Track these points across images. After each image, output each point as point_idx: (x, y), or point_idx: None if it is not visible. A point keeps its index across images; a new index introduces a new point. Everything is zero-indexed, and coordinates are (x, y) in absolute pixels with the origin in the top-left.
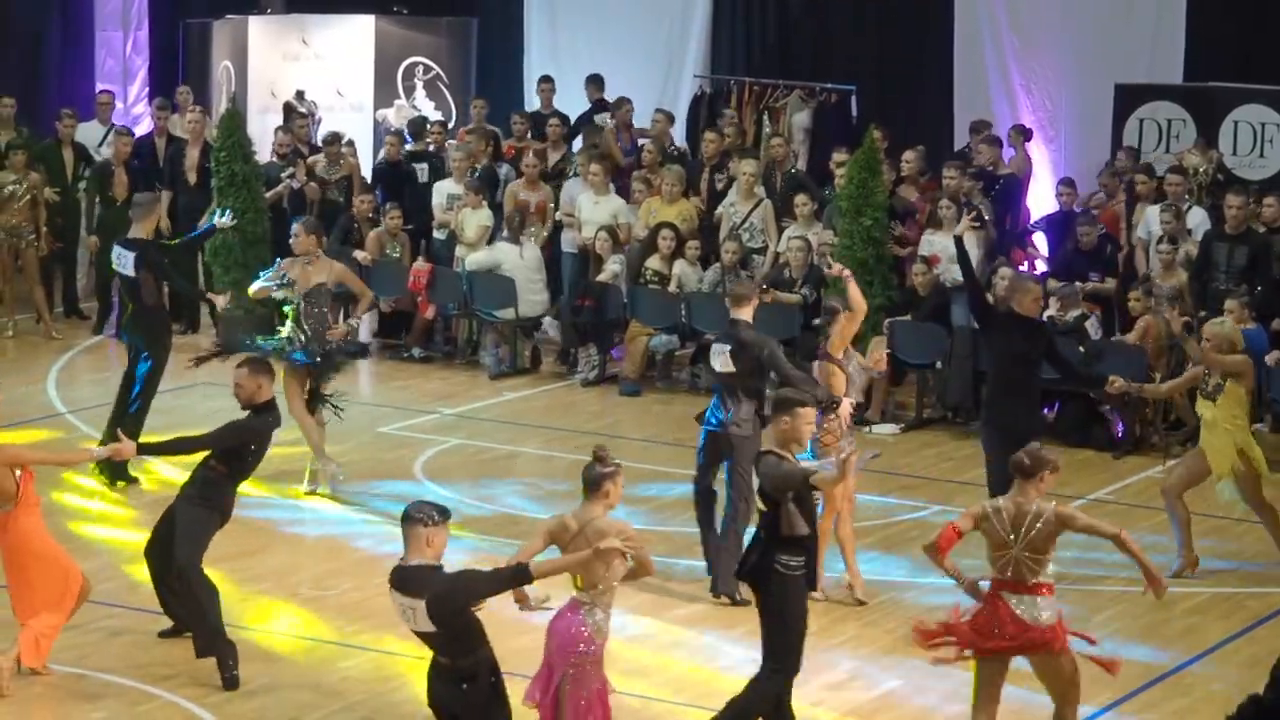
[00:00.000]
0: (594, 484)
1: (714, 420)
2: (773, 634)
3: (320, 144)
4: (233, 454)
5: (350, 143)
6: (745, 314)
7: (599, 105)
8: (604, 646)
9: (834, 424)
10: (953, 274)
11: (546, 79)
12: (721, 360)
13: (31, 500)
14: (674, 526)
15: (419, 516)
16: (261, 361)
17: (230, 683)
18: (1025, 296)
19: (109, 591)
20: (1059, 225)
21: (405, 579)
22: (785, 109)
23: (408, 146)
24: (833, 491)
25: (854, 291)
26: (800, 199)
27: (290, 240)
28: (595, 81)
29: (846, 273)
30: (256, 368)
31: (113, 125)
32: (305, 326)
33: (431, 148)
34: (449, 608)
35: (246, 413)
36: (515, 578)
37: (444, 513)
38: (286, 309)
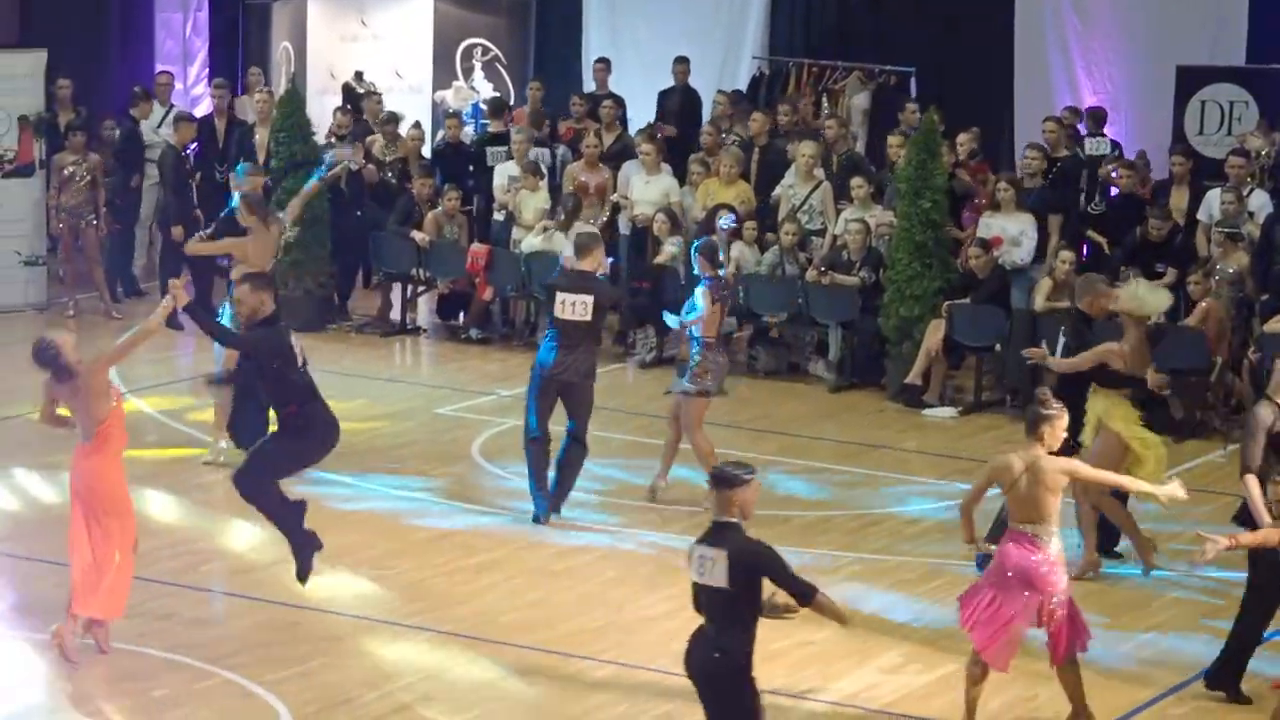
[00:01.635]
0: (1033, 425)
1: (547, 364)
2: None
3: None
4: (266, 379)
5: (416, 124)
6: (591, 265)
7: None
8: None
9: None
10: (1012, 256)
11: (603, 60)
12: (580, 309)
13: (119, 434)
14: None
15: (727, 478)
16: (263, 277)
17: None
18: (1100, 299)
19: (170, 570)
20: (1119, 209)
21: (711, 532)
22: (844, 91)
23: (488, 127)
24: None
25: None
26: (856, 181)
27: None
28: (683, 63)
29: None
30: (259, 283)
31: (172, 106)
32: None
33: (488, 129)
34: (745, 568)
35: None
36: (801, 591)
37: (750, 471)
38: None
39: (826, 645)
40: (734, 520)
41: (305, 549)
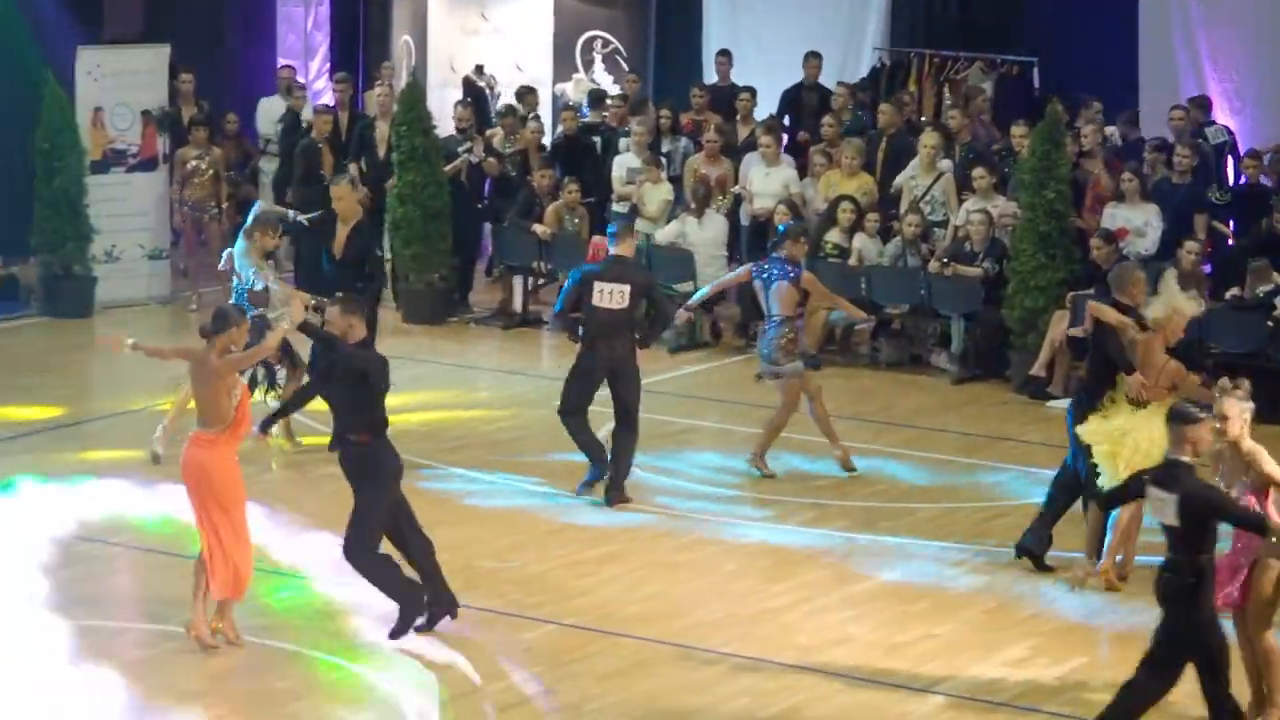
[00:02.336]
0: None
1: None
2: None
3: (496, 118)
4: (353, 402)
5: (536, 116)
6: (628, 250)
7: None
8: None
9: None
10: (1136, 247)
11: (724, 53)
12: (619, 298)
13: (241, 426)
14: (855, 501)
15: (1184, 414)
16: (355, 301)
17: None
18: (1135, 290)
19: (290, 563)
20: (1245, 199)
21: (1163, 473)
22: (966, 81)
23: (584, 118)
24: None
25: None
26: (978, 172)
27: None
28: (815, 57)
29: None
30: (349, 307)
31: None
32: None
33: (608, 121)
34: (1196, 508)
35: None
36: (1253, 523)
37: (1206, 408)
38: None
39: (951, 638)
40: (1185, 460)
41: (409, 610)
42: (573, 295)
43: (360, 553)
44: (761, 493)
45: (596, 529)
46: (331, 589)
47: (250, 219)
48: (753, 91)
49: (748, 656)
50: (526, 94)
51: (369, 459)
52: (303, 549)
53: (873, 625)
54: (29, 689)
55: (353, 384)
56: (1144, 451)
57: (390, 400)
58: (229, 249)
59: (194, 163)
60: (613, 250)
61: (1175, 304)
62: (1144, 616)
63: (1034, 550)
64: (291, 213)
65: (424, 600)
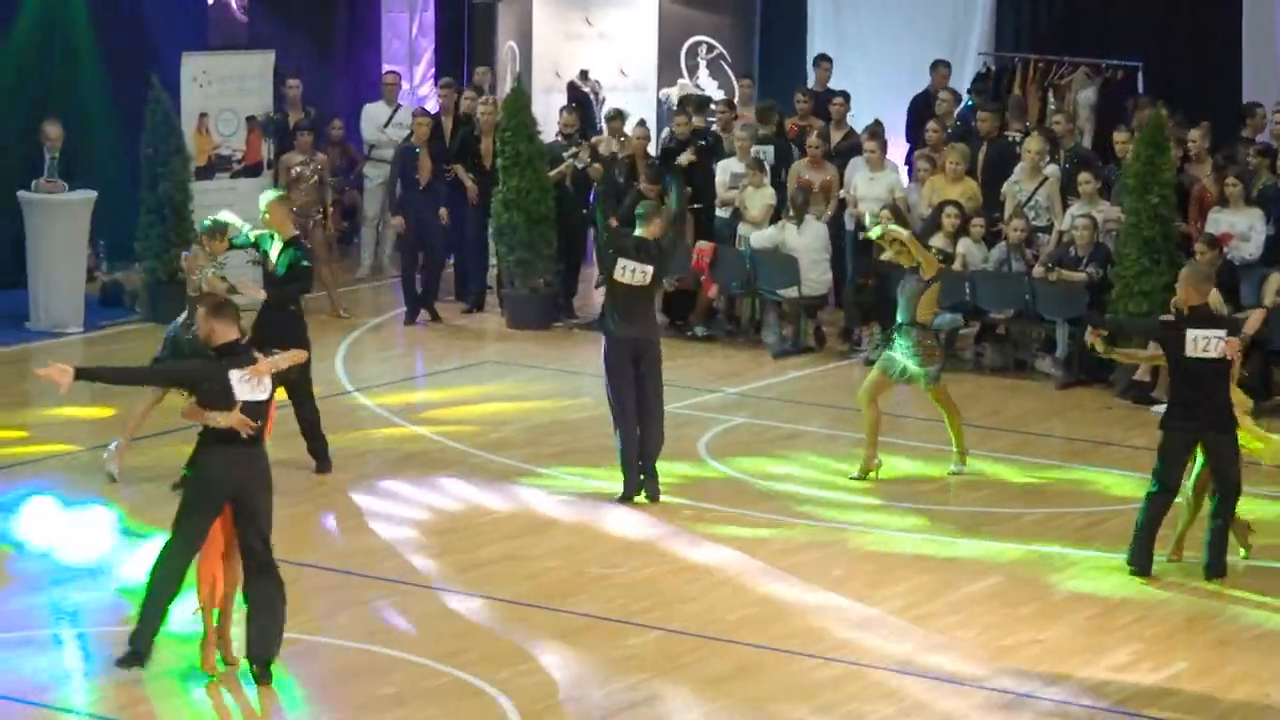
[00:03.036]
0: None
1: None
2: None
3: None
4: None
5: (642, 122)
6: (654, 231)
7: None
8: None
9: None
10: (1241, 252)
11: (825, 58)
12: (640, 276)
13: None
14: (960, 506)
15: None
16: (226, 304)
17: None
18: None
19: (394, 568)
20: None
21: None
22: (1070, 86)
23: (710, 123)
24: None
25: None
26: (1083, 176)
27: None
28: (944, 65)
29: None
30: (215, 311)
31: (399, 106)
32: None
33: (714, 126)
34: None
35: None
36: None
37: None
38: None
39: (1056, 642)
40: None
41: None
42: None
43: (163, 556)
44: (866, 498)
45: (702, 534)
46: (438, 595)
47: (203, 228)
48: (846, 96)
49: (854, 662)
50: (614, 118)
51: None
52: (410, 555)
53: (978, 630)
54: (121, 695)
55: (189, 390)
56: None
57: (495, 406)
58: (186, 252)
59: (299, 169)
60: (639, 232)
61: None
62: (1247, 621)
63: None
64: (247, 227)
65: (150, 641)
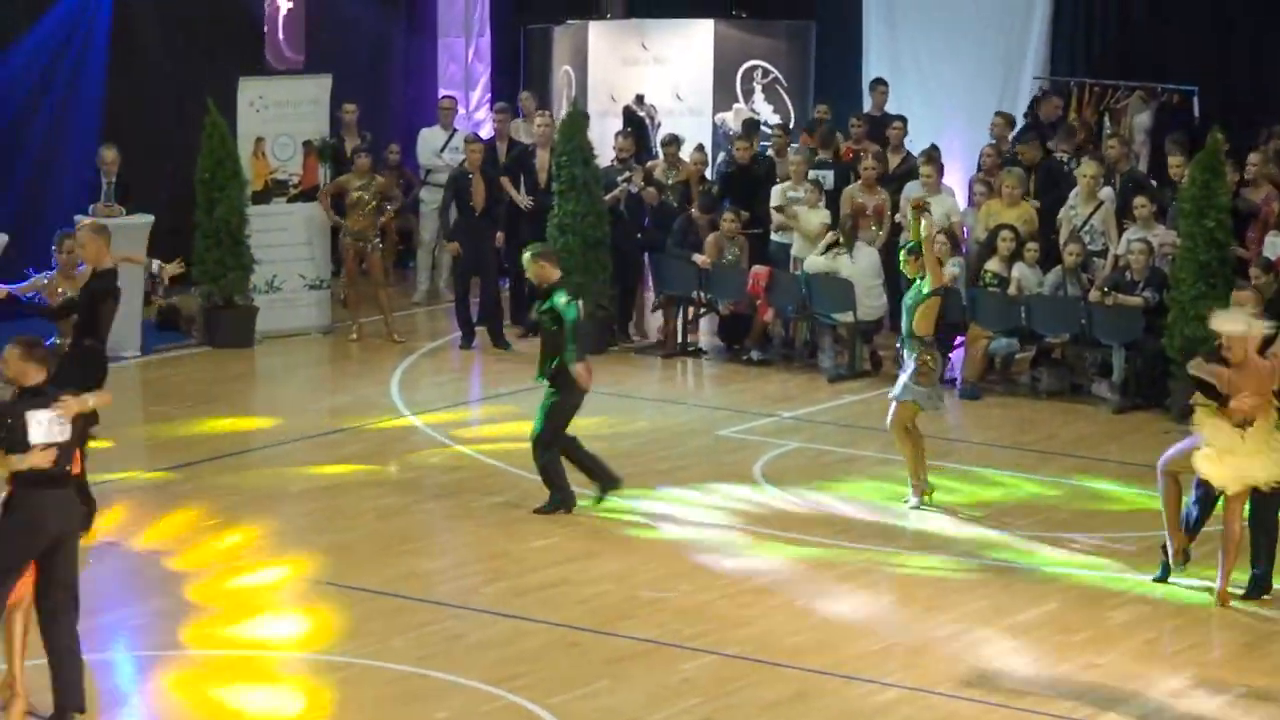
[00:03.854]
0: None
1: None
2: None
3: (658, 148)
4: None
5: (699, 147)
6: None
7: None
8: None
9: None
10: None
11: (881, 82)
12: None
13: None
14: (1015, 531)
15: None
16: (39, 346)
17: None
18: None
19: (453, 592)
20: None
21: None
22: (1126, 110)
23: (763, 148)
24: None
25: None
26: (1139, 200)
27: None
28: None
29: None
30: (25, 352)
31: (455, 130)
32: None
33: (769, 151)
34: None
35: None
36: None
37: None
38: None
39: (1111, 667)
40: None
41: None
42: None
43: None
44: (921, 523)
45: (756, 559)
46: (491, 620)
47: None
48: (904, 120)
49: (909, 687)
50: (669, 144)
51: (5, 507)
52: (466, 579)
53: (1034, 655)
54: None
55: None
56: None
57: None
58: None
59: (357, 193)
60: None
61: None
62: None
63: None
64: (155, 263)
65: None
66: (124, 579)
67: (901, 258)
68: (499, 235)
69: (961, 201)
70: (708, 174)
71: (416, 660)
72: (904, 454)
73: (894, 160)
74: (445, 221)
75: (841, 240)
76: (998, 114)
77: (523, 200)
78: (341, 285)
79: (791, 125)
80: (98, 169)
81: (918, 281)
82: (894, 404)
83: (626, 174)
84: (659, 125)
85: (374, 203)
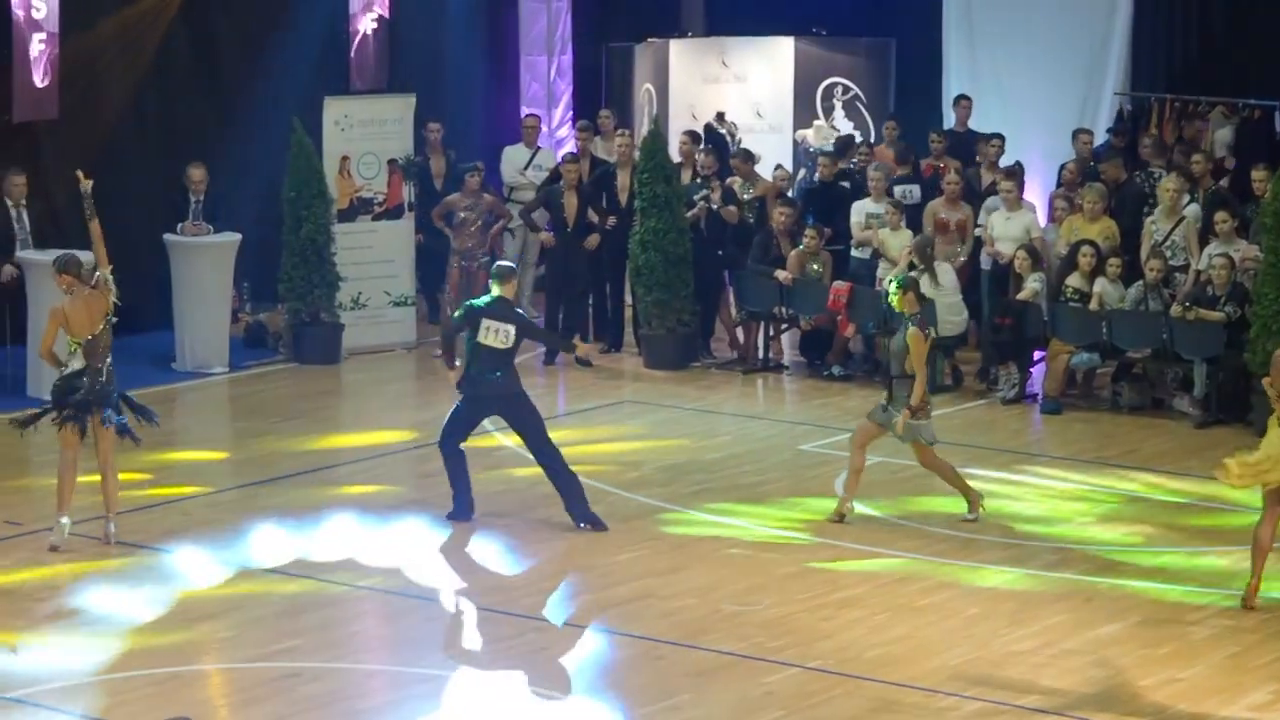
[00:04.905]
0: None
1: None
2: None
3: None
4: None
5: (779, 166)
6: (510, 292)
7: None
8: None
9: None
10: None
11: (964, 97)
12: (504, 337)
13: None
14: (1097, 546)
15: None
16: None
17: None
18: None
19: (531, 605)
20: None
21: None
22: (1208, 125)
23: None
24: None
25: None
26: (1220, 216)
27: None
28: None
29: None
30: None
31: (538, 148)
32: None
33: (855, 166)
34: None
35: None
36: None
37: None
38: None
39: (1194, 682)
40: None
41: None
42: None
43: None
44: (1003, 537)
45: (838, 572)
46: (574, 633)
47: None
48: (1001, 138)
49: (991, 700)
50: (744, 160)
51: None
52: (549, 592)
53: (1116, 669)
54: None
55: None
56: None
57: (633, 445)
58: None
59: (464, 213)
60: (496, 291)
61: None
62: None
63: None
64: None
65: None
66: (209, 591)
67: (890, 290)
68: (592, 237)
69: (1042, 217)
70: (790, 192)
71: (502, 672)
72: (852, 466)
73: (988, 178)
74: (529, 221)
75: (919, 264)
76: (1079, 130)
77: (604, 220)
78: (446, 301)
79: (872, 141)
80: (186, 188)
81: (905, 321)
82: (870, 424)
83: (704, 191)
84: (739, 142)
85: (479, 221)
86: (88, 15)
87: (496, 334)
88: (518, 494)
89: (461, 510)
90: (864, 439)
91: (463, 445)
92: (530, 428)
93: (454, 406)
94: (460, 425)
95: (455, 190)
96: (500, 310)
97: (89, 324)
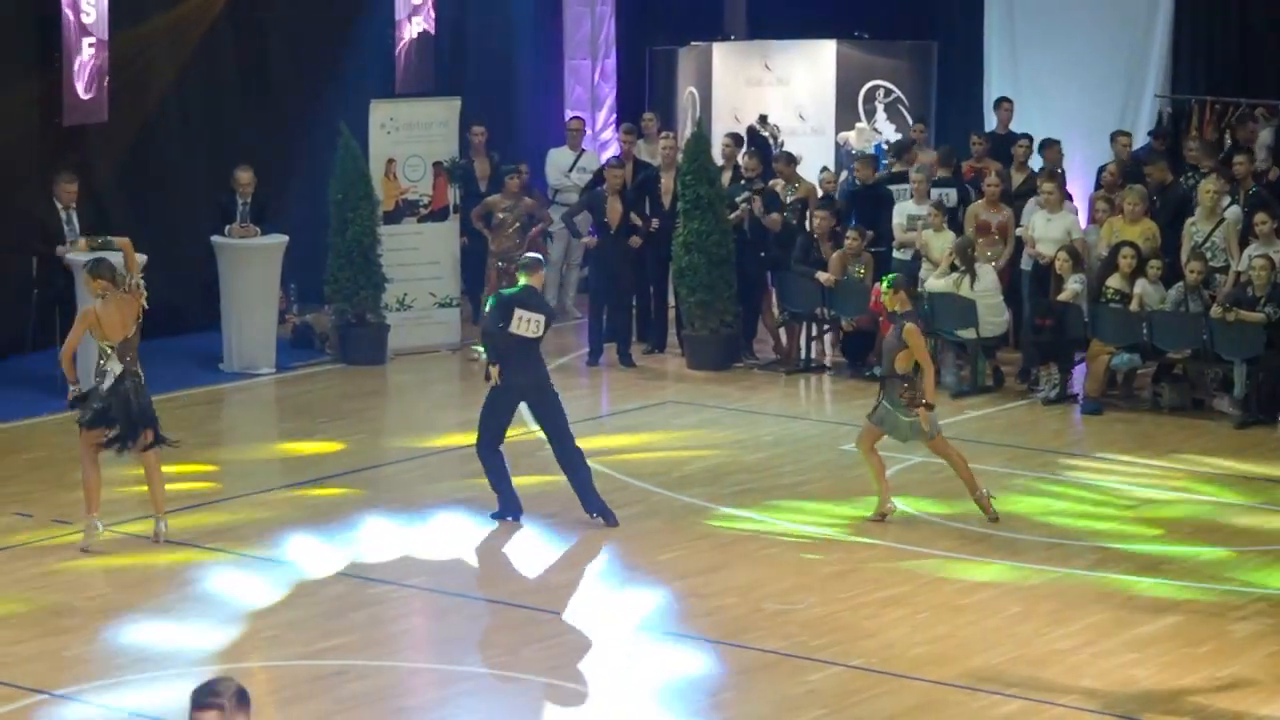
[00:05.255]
0: None
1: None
2: None
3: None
4: None
5: (825, 168)
6: (539, 282)
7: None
8: None
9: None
10: None
11: (1005, 100)
12: (535, 326)
13: None
14: (1138, 544)
15: None
16: None
17: None
18: None
19: (577, 604)
20: None
21: None
22: (1250, 127)
23: (890, 167)
24: None
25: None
26: (1260, 217)
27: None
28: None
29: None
30: None
31: (583, 151)
32: None
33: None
34: None
35: None
36: None
37: None
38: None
39: (1235, 680)
40: None
41: None
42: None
43: None
44: (1045, 536)
45: (881, 570)
46: (619, 631)
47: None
48: (1030, 139)
49: (1034, 699)
50: (787, 162)
51: None
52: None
53: (1157, 667)
54: None
55: None
56: None
57: (676, 445)
58: None
59: (503, 215)
60: (524, 281)
61: None
62: None
63: None
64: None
65: None
66: (256, 590)
67: (883, 289)
68: (634, 239)
69: (1082, 219)
70: (835, 195)
71: (547, 670)
72: (871, 470)
73: (1018, 178)
74: (571, 225)
75: (960, 266)
76: (1119, 132)
77: (648, 224)
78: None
79: (915, 144)
80: (233, 191)
81: (899, 319)
82: (871, 426)
83: (747, 193)
84: (781, 145)
85: (518, 223)
86: (135, 18)
87: (528, 323)
88: (562, 494)
89: (508, 508)
90: (869, 441)
91: (500, 447)
92: (556, 418)
93: (482, 407)
94: (492, 424)
95: (499, 193)
96: (531, 299)
97: (122, 327)
